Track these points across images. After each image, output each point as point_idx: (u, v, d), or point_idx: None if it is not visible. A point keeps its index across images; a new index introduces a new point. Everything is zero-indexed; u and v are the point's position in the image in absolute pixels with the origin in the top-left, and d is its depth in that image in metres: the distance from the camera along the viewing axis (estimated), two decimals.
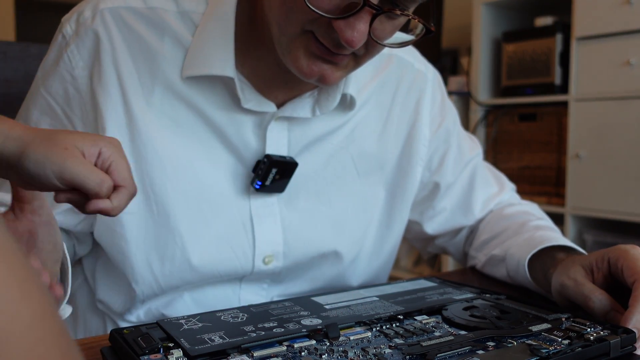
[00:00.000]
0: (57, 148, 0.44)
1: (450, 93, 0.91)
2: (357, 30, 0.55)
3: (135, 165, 0.67)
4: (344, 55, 0.60)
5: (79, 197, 0.47)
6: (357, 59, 0.63)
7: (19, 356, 0.22)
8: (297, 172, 0.73)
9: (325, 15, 0.55)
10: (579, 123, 1.95)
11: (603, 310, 0.57)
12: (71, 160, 0.44)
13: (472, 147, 0.90)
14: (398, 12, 0.57)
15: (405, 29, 0.63)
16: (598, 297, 0.58)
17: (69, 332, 0.26)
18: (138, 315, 0.72)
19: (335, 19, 0.55)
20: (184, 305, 0.72)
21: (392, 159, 0.82)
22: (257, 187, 0.70)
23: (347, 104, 0.74)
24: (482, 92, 2.28)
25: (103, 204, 0.46)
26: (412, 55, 0.85)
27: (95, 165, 0.47)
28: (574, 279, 0.61)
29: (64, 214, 0.68)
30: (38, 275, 0.25)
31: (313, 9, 0.55)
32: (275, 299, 0.77)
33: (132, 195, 0.49)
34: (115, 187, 0.48)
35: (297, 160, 0.72)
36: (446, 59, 2.59)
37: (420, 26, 0.61)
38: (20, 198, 0.50)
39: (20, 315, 0.23)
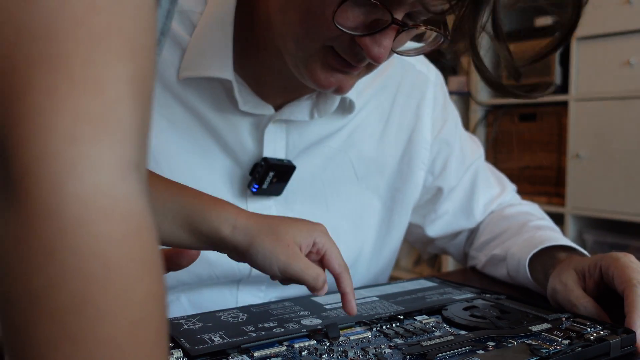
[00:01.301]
0: (281, 244, 0.50)
1: (450, 93, 0.90)
2: (384, 46, 0.54)
3: None
4: (361, 66, 0.60)
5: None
6: (369, 66, 0.62)
7: (122, 329, 0.24)
8: (295, 175, 0.72)
9: (351, 32, 0.54)
10: (579, 123, 1.95)
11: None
12: (293, 258, 0.50)
13: (474, 149, 0.90)
14: (423, 28, 0.56)
15: (416, 36, 0.63)
16: (584, 305, 0.58)
17: (168, 316, 0.27)
18: None
19: (361, 36, 0.54)
20: (181, 308, 0.71)
21: (392, 162, 0.82)
22: (254, 190, 0.69)
23: (346, 107, 0.74)
24: (482, 92, 2.27)
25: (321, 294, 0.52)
26: (414, 56, 0.84)
27: (310, 253, 0.53)
28: (565, 283, 0.62)
29: None
30: (161, 256, 0.27)
31: (339, 26, 0.53)
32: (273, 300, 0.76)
33: (349, 272, 0.54)
34: (335, 275, 0.54)
35: (295, 163, 0.72)
36: (446, 59, 2.59)
37: (433, 34, 0.60)
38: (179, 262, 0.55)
39: (135, 291, 0.24)
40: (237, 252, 0.51)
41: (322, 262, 0.54)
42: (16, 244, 0.23)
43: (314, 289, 0.51)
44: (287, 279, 0.51)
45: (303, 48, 0.58)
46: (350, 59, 0.57)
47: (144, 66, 0.26)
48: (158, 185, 0.52)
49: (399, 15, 0.54)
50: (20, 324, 0.23)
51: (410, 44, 0.63)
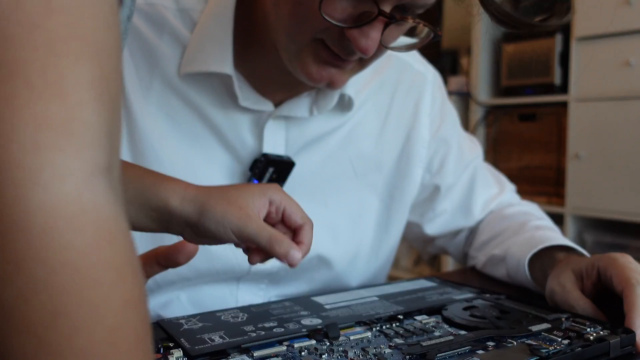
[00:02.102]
0: (233, 207, 0.49)
1: (450, 93, 0.91)
2: (371, 38, 0.55)
3: (133, 161, 0.67)
4: (352, 60, 0.60)
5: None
6: (363, 62, 0.63)
7: (100, 338, 0.23)
8: (294, 172, 0.72)
9: (339, 24, 0.55)
10: (578, 123, 1.95)
11: None
12: (246, 220, 0.48)
13: (472, 148, 0.90)
14: (410, 20, 0.57)
15: (409, 31, 0.63)
16: (582, 307, 0.59)
17: (150, 320, 0.26)
18: None
19: (349, 28, 0.55)
20: (181, 307, 0.71)
21: (391, 160, 0.82)
22: None
23: (345, 104, 0.74)
24: (482, 92, 2.28)
25: (292, 257, 0.49)
26: (411, 56, 0.84)
27: (270, 214, 0.52)
28: (563, 285, 0.62)
29: None
30: (138, 260, 0.26)
31: (327, 19, 0.54)
32: (273, 299, 0.77)
33: (312, 227, 0.53)
34: (297, 228, 0.52)
35: (295, 159, 0.72)
36: (446, 59, 2.59)
37: (425, 30, 0.61)
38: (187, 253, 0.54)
39: (111, 299, 0.24)
40: (190, 225, 0.50)
41: (284, 220, 0.53)
42: None
43: (275, 254, 0.48)
44: (245, 243, 0.50)
45: (294, 41, 0.59)
46: (340, 51, 0.58)
47: (108, 66, 0.25)
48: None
49: (386, 8, 0.54)
50: None
51: (404, 40, 0.64)
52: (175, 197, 0.49)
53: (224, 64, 0.65)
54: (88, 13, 0.24)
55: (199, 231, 0.50)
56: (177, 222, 0.50)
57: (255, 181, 0.69)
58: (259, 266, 0.72)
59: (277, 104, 0.70)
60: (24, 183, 0.22)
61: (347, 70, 0.62)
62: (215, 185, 0.52)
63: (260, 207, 0.51)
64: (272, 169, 0.69)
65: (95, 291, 0.23)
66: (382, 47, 0.59)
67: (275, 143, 0.71)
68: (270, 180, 0.70)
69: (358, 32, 0.55)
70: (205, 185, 0.52)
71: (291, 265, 0.48)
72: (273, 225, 0.52)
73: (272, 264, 0.73)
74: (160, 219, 0.50)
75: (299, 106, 0.71)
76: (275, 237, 0.48)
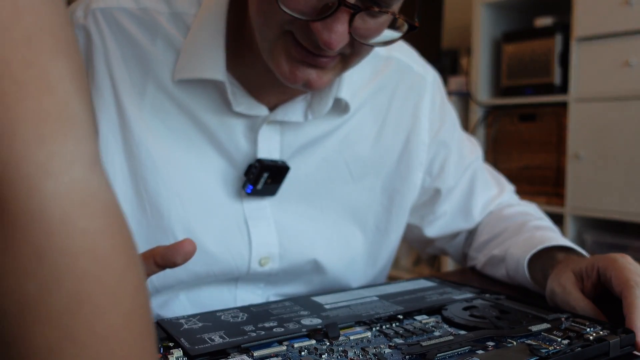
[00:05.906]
0: None
1: (450, 93, 0.90)
2: (335, 31, 0.53)
3: (129, 166, 0.66)
4: (329, 58, 0.59)
5: None
6: (346, 60, 0.61)
7: (118, 323, 0.24)
8: (290, 175, 0.72)
9: (302, 17, 0.54)
10: (578, 123, 1.95)
11: None
12: None
13: (472, 150, 0.90)
14: (376, 10, 0.55)
15: (393, 26, 0.62)
16: (582, 308, 0.59)
17: (152, 306, 0.27)
18: None
19: (312, 20, 0.54)
20: (180, 306, 0.71)
21: (390, 163, 0.81)
22: (249, 191, 0.69)
23: (341, 108, 0.74)
24: (482, 92, 2.28)
25: None
26: (411, 57, 0.84)
27: None
28: (563, 286, 0.62)
29: None
30: (137, 248, 0.27)
31: (288, 11, 0.53)
32: (272, 298, 0.76)
33: None
34: None
35: (290, 164, 0.72)
36: (446, 59, 2.59)
37: (406, 23, 0.60)
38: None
39: (125, 283, 0.24)
40: None
41: None
42: (2, 253, 0.22)
43: None
44: None
45: (265, 37, 0.58)
46: (308, 45, 0.57)
47: (77, 60, 0.25)
48: None
49: None
50: (16, 334, 0.22)
51: (390, 35, 0.62)
52: None
53: (217, 71, 0.65)
54: (51, 11, 0.25)
55: None
56: None
57: (250, 186, 0.69)
58: (257, 268, 0.72)
59: (272, 108, 0.70)
60: (35, 175, 0.22)
61: (328, 69, 0.60)
62: None
63: None
64: (266, 174, 0.69)
65: (112, 276, 0.24)
66: (358, 42, 0.57)
67: (269, 148, 0.71)
68: (265, 185, 0.70)
69: (321, 25, 0.54)
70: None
71: None
72: None
73: (271, 266, 0.73)
74: None
75: (294, 111, 0.70)
76: None
